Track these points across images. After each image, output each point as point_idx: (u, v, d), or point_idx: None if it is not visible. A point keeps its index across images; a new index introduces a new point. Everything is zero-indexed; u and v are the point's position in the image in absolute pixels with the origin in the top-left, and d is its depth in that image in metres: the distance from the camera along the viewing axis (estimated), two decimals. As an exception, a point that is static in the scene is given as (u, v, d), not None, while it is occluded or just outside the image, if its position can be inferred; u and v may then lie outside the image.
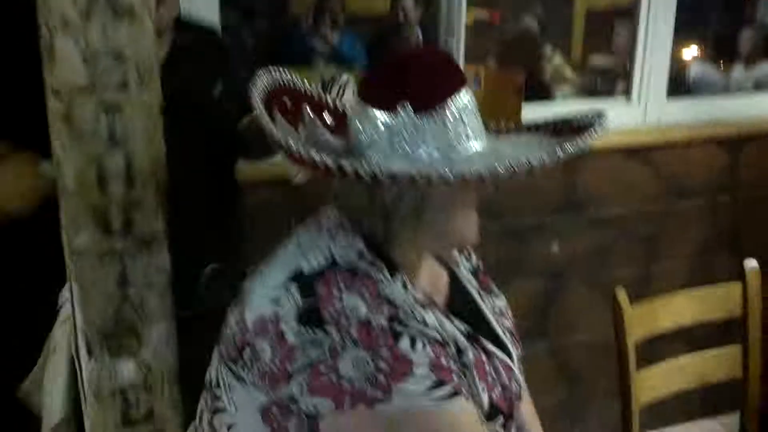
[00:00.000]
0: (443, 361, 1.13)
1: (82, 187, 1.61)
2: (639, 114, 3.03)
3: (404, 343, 1.10)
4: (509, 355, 1.35)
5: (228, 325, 1.25)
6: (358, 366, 1.07)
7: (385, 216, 1.19)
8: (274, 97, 1.31)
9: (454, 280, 1.39)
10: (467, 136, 1.17)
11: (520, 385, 1.33)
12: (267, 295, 1.16)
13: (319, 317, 1.10)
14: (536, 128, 1.32)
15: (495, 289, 1.47)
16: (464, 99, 1.18)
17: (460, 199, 1.21)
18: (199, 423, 1.33)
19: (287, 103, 1.33)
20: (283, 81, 1.35)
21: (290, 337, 1.10)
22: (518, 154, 1.14)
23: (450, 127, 1.15)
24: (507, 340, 1.37)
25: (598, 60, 3.55)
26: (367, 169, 1.08)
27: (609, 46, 3.73)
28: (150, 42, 1.58)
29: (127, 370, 1.74)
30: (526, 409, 1.47)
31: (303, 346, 1.09)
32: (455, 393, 1.12)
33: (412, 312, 1.15)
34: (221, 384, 1.24)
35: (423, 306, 1.19)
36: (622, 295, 1.86)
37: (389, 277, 1.18)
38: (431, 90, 1.16)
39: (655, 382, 1.94)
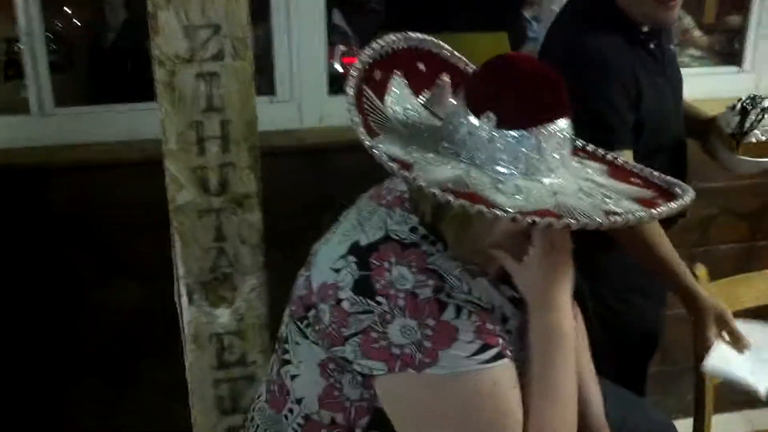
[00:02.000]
0: (488, 326, 1.17)
1: (183, 148, 1.76)
2: (749, 82, 2.87)
3: (449, 313, 1.15)
4: None
5: (297, 287, 1.36)
6: (406, 333, 1.14)
7: (436, 210, 1.21)
8: (400, 61, 1.32)
9: None
10: (538, 169, 1.14)
11: None
12: (330, 265, 1.24)
13: (371, 288, 1.17)
14: (623, 168, 1.29)
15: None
16: (556, 130, 1.14)
17: (505, 231, 1.19)
18: (269, 373, 1.45)
19: (421, 68, 1.34)
20: (434, 50, 1.34)
21: (346, 305, 1.18)
22: (573, 205, 1.11)
23: (523, 154, 1.13)
24: None
25: (733, 21, 3.24)
26: (409, 176, 1.09)
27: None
28: (244, 15, 1.69)
29: (223, 317, 1.90)
30: (583, 369, 1.50)
31: (356, 314, 1.17)
32: (500, 355, 1.18)
33: (459, 282, 1.19)
34: (289, 339, 1.35)
35: (472, 275, 1.21)
36: (701, 271, 1.83)
37: (441, 249, 1.21)
38: (519, 111, 1.13)
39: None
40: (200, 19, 1.68)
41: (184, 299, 1.88)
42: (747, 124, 1.88)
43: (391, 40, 1.29)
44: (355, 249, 1.23)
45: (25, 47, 2.30)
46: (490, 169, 1.14)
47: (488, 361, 1.16)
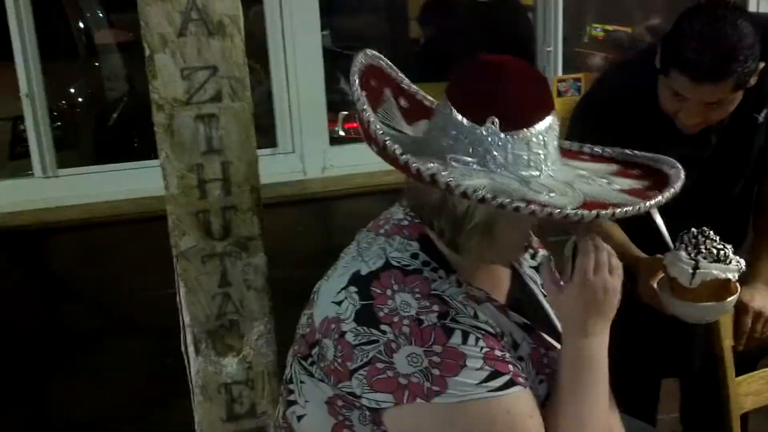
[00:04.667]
0: (497, 352, 1.13)
1: (184, 193, 1.74)
2: None
3: (456, 339, 1.12)
4: None
5: (300, 325, 1.33)
6: (413, 362, 1.10)
7: (455, 223, 1.18)
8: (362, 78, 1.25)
9: (516, 277, 1.38)
10: (545, 162, 1.14)
11: None
12: (331, 298, 1.21)
13: (374, 317, 1.14)
14: (594, 154, 1.33)
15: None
16: (550, 124, 1.15)
17: (529, 221, 1.20)
18: (276, 417, 1.40)
19: (372, 83, 1.28)
20: (375, 63, 1.31)
21: (350, 337, 1.15)
22: (595, 192, 1.14)
23: (532, 150, 1.13)
24: None
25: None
26: (466, 187, 1.06)
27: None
28: (241, 56, 1.70)
29: (231, 366, 1.85)
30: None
31: (361, 346, 1.13)
32: (511, 382, 1.12)
33: (464, 307, 1.16)
34: (294, 379, 1.31)
35: (477, 301, 1.19)
36: None
37: (444, 275, 1.19)
38: (522, 111, 1.13)
39: (758, 388, 1.82)
40: (197, 61, 1.68)
41: (191, 349, 1.83)
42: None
43: (358, 59, 1.26)
44: (355, 279, 1.20)
45: (26, 108, 2.31)
46: (512, 173, 1.12)
47: (499, 389, 1.11)
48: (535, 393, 1.19)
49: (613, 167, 1.28)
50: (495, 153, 1.11)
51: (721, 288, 1.61)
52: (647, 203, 1.13)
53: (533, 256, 1.44)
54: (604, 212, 1.08)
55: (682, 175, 1.21)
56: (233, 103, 1.72)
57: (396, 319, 1.12)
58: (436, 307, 1.13)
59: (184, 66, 1.68)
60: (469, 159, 1.12)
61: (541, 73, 1.19)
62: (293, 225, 2.36)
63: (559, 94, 2.66)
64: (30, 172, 2.37)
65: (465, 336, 1.12)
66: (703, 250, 1.60)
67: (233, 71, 1.71)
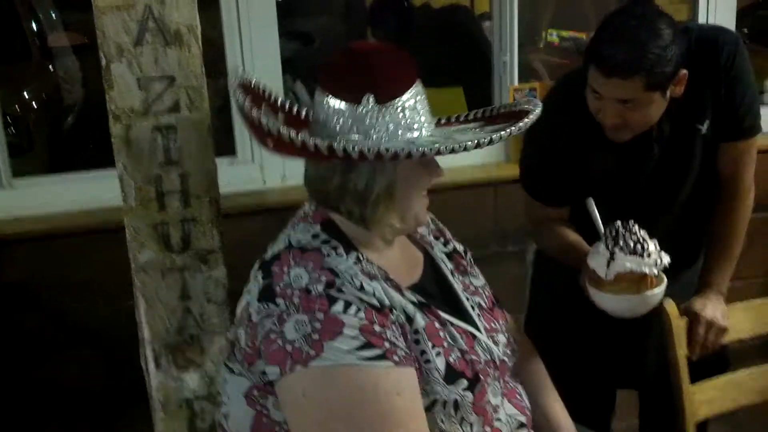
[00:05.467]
0: (376, 327, 1.20)
1: (142, 205, 1.71)
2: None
3: (338, 307, 1.18)
4: (474, 326, 1.40)
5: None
6: (299, 328, 1.17)
7: (360, 199, 1.28)
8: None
9: (429, 261, 1.49)
10: (421, 123, 1.28)
11: (491, 355, 1.38)
12: (244, 291, 1.29)
13: (272, 292, 1.21)
14: (477, 117, 1.45)
15: (474, 270, 1.56)
16: (417, 90, 1.28)
17: (423, 181, 1.33)
18: None
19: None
20: (250, 84, 1.42)
21: (254, 317, 1.22)
22: (469, 138, 1.27)
23: (407, 116, 1.26)
24: (474, 313, 1.44)
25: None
26: (362, 146, 1.18)
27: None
28: (198, 65, 1.67)
29: (192, 381, 1.82)
30: (535, 373, 1.55)
31: (261, 321, 1.21)
32: (383, 356, 1.18)
33: (353, 279, 1.23)
34: (221, 382, 1.37)
35: (371, 277, 1.26)
36: (671, 307, 1.77)
37: (343, 253, 1.27)
38: (393, 83, 1.26)
39: (712, 396, 1.84)
40: (154, 71, 1.65)
41: (151, 365, 1.80)
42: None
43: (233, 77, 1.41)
44: (261, 264, 1.29)
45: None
46: (395, 137, 1.25)
47: (369, 359, 1.17)
48: (433, 365, 1.26)
49: (480, 123, 1.42)
50: (377, 126, 1.24)
51: (640, 281, 1.63)
52: (522, 122, 1.29)
53: (445, 244, 1.56)
54: (489, 137, 1.23)
55: (540, 103, 1.36)
56: (191, 114, 1.70)
57: (289, 291, 1.21)
58: (324, 278, 1.22)
59: (141, 76, 1.65)
60: (356, 136, 1.24)
61: (402, 49, 1.31)
62: (253, 235, 2.32)
63: (515, 103, 2.66)
64: (-17, 182, 2.31)
65: (347, 305, 1.20)
66: (621, 243, 1.63)
67: (191, 81, 1.68)
